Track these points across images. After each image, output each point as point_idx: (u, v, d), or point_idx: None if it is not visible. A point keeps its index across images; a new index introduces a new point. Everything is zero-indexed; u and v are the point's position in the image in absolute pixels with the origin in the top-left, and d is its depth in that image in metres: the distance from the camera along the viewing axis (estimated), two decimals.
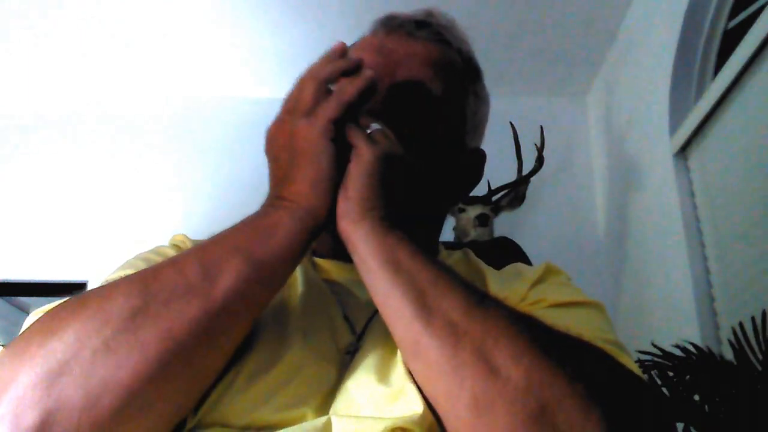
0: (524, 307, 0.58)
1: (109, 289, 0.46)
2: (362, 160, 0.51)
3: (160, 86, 2.60)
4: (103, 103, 2.60)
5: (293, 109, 0.52)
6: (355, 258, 0.49)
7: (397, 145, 0.53)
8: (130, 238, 2.09)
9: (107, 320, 0.43)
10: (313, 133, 0.50)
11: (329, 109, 0.51)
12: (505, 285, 0.62)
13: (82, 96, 2.60)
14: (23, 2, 2.15)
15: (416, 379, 0.45)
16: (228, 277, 0.46)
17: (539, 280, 0.63)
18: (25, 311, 2.50)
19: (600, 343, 0.48)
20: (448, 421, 0.42)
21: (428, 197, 0.64)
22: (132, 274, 0.47)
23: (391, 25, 0.67)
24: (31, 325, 0.45)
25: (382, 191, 0.51)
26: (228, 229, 0.50)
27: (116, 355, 0.42)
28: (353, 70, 0.53)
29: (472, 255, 0.72)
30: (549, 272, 0.65)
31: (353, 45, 0.67)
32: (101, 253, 2.24)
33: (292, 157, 0.51)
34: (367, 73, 0.53)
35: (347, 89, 0.52)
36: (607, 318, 0.60)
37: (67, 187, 2.45)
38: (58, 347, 0.42)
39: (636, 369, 0.49)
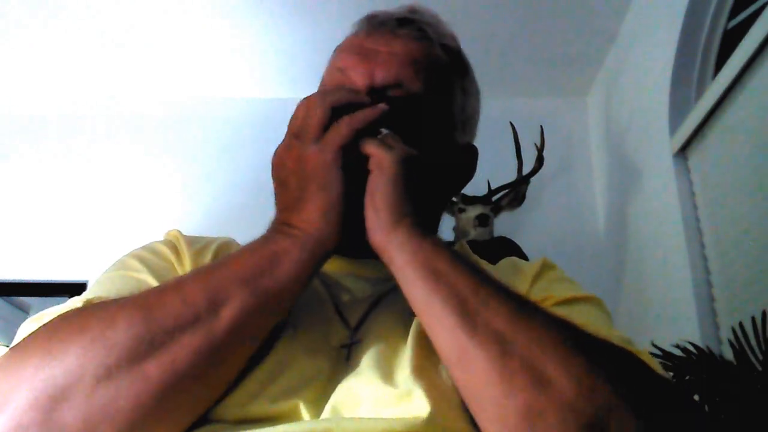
0: None
1: (111, 312, 0.45)
2: (384, 167, 0.50)
3: (159, 86, 2.60)
4: (102, 103, 2.60)
5: (300, 133, 0.52)
6: (393, 268, 0.49)
7: (408, 147, 0.53)
8: (129, 238, 2.09)
9: (110, 348, 0.42)
10: (323, 159, 0.50)
11: (339, 135, 0.50)
12: (506, 282, 0.62)
13: (81, 96, 2.59)
14: (23, 2, 2.15)
15: (459, 387, 0.45)
16: (233, 308, 0.45)
17: (537, 277, 0.63)
18: (25, 311, 2.50)
19: (618, 342, 0.49)
20: (496, 427, 0.42)
21: (427, 193, 0.64)
22: (135, 297, 0.47)
23: (372, 24, 0.66)
24: (26, 339, 0.45)
25: (409, 196, 0.50)
26: (233, 255, 0.50)
27: (118, 384, 0.42)
28: (359, 104, 0.53)
29: (467, 249, 0.71)
30: (546, 267, 0.65)
31: (338, 46, 0.67)
32: (101, 253, 2.24)
33: (301, 184, 0.51)
34: (381, 106, 0.53)
35: (359, 117, 0.51)
36: (608, 312, 0.61)
37: (67, 187, 2.45)
38: (59, 372, 0.41)
39: (660, 369, 0.49)
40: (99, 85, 2.59)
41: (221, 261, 0.50)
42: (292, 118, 0.54)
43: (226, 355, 0.46)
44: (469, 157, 0.70)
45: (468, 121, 0.69)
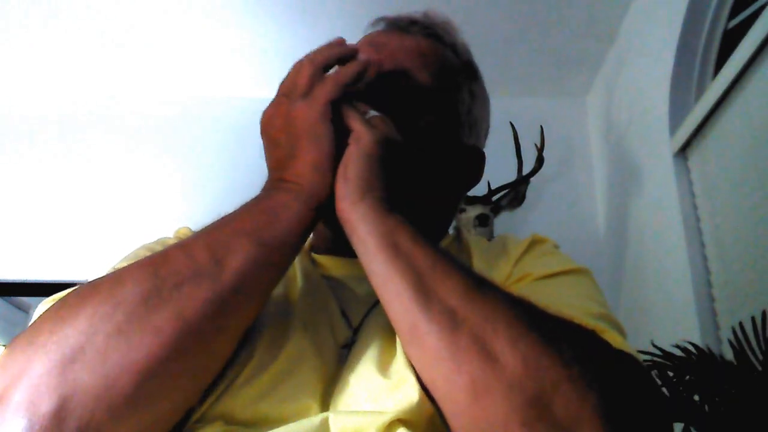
0: (510, 285, 0.58)
1: (117, 275, 0.46)
2: (362, 142, 0.51)
3: (160, 86, 2.60)
4: (103, 103, 2.60)
5: (290, 91, 0.53)
6: (354, 239, 0.49)
7: (395, 131, 0.54)
8: (130, 239, 2.09)
9: (119, 304, 0.43)
10: (312, 114, 0.51)
11: (327, 90, 0.52)
12: (490, 264, 0.62)
13: (82, 96, 2.59)
14: (23, 2, 2.15)
15: (413, 364, 0.45)
16: (236, 259, 0.46)
17: (524, 254, 0.63)
18: (25, 311, 2.50)
19: (589, 319, 0.49)
20: (446, 405, 0.42)
21: (426, 187, 0.64)
22: (140, 260, 0.47)
23: (385, 22, 0.68)
24: (40, 316, 0.45)
25: (382, 173, 0.51)
26: (233, 213, 0.51)
27: (130, 339, 0.42)
28: (349, 57, 0.55)
29: (463, 233, 0.71)
30: (534, 243, 0.65)
31: None
32: (101, 253, 2.24)
33: (292, 140, 0.52)
34: (363, 57, 0.55)
35: (343, 71, 0.53)
36: (594, 284, 0.60)
37: (67, 187, 2.45)
38: (71, 333, 0.42)
39: (626, 345, 0.49)
40: (99, 85, 2.59)
41: (221, 219, 0.50)
42: (283, 79, 0.55)
43: (233, 308, 0.46)
44: (475, 159, 0.70)
45: (475, 124, 0.70)
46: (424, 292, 0.43)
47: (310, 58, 0.54)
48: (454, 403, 0.41)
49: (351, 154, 0.51)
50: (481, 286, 0.44)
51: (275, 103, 0.54)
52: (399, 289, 0.44)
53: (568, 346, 0.41)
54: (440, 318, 0.42)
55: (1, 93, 2.57)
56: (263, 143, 0.55)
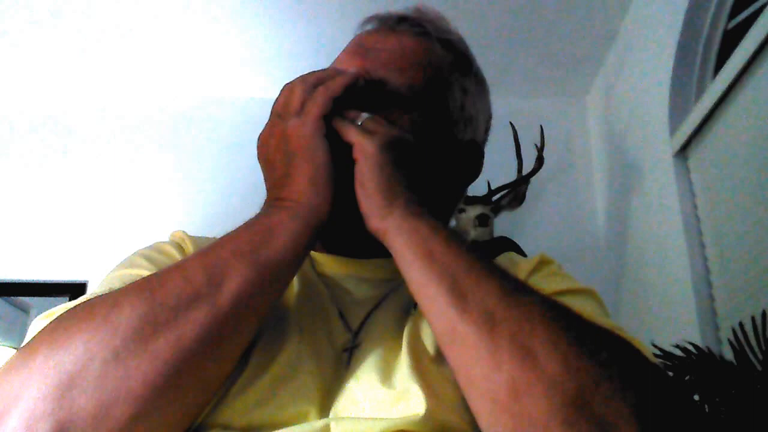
0: None
1: (114, 297, 0.45)
2: (367, 153, 0.51)
3: (160, 86, 2.60)
4: (103, 103, 2.60)
5: (283, 112, 0.53)
6: (393, 252, 0.50)
7: (391, 128, 0.54)
8: (130, 239, 2.09)
9: (115, 330, 0.42)
10: (305, 131, 0.51)
11: (317, 104, 0.52)
12: None
13: (82, 96, 2.59)
14: (23, 2, 2.15)
15: (451, 366, 0.45)
16: (233, 281, 0.46)
17: (533, 272, 0.63)
18: (25, 311, 2.50)
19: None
20: (484, 404, 0.42)
21: (428, 180, 0.64)
22: (137, 282, 0.47)
23: (373, 22, 0.67)
24: (35, 336, 0.45)
25: (398, 178, 0.51)
26: (230, 233, 0.50)
27: (126, 365, 0.42)
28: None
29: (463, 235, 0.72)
30: (542, 263, 0.65)
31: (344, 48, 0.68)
32: (101, 253, 2.24)
33: (287, 158, 0.52)
34: (352, 69, 0.55)
35: (332, 84, 0.53)
36: (602, 304, 0.61)
37: (67, 186, 2.45)
38: (67, 359, 0.41)
39: (651, 355, 0.50)
40: (99, 86, 2.59)
41: (219, 240, 0.50)
42: (275, 100, 0.55)
43: (231, 331, 0.46)
44: (472, 154, 0.69)
45: (470, 120, 0.69)
46: (460, 294, 0.44)
47: (302, 78, 0.54)
48: (493, 402, 0.41)
49: (362, 168, 0.51)
50: (517, 289, 0.45)
51: (269, 125, 0.54)
52: (435, 294, 0.45)
53: (605, 347, 0.42)
54: (478, 319, 0.42)
55: (0, 93, 2.57)
56: (260, 166, 0.55)
